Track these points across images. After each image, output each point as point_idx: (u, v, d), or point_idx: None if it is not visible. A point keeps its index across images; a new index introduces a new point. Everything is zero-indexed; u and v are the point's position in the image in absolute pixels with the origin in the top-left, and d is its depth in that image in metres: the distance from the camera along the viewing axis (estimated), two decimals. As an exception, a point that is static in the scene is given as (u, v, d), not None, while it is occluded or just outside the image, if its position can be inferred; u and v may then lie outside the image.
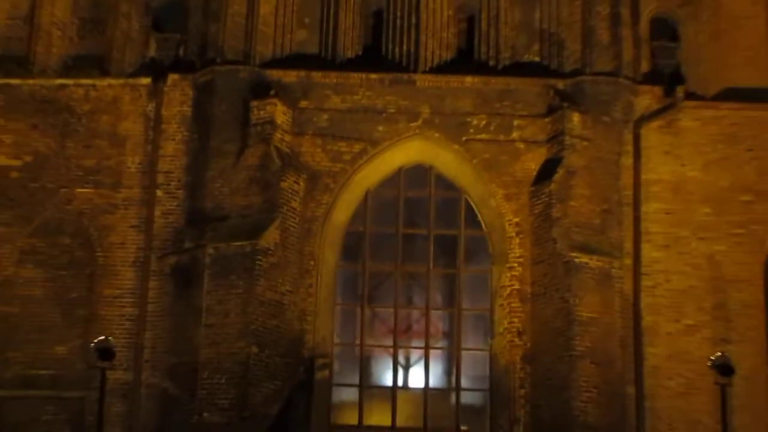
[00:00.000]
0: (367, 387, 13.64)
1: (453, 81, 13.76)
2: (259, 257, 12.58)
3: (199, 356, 12.54)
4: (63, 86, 13.96)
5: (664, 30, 14.46)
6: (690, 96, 13.82)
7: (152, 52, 14.49)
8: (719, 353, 11.81)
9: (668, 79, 14.04)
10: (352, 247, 13.91)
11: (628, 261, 13.26)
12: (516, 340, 13.12)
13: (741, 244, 13.48)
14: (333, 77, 13.76)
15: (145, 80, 13.94)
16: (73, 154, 13.72)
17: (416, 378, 13.86)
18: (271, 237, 12.71)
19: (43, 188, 13.66)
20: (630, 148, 13.62)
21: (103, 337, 11.68)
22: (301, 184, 13.27)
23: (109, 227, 13.54)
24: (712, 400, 12.12)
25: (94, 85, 13.99)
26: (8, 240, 13.50)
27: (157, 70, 14.10)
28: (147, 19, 14.55)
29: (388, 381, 13.81)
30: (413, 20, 13.89)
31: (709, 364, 11.73)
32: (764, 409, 13.03)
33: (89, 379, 12.52)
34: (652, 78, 14.13)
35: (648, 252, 13.37)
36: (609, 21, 13.80)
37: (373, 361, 14.06)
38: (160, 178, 13.67)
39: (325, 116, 13.65)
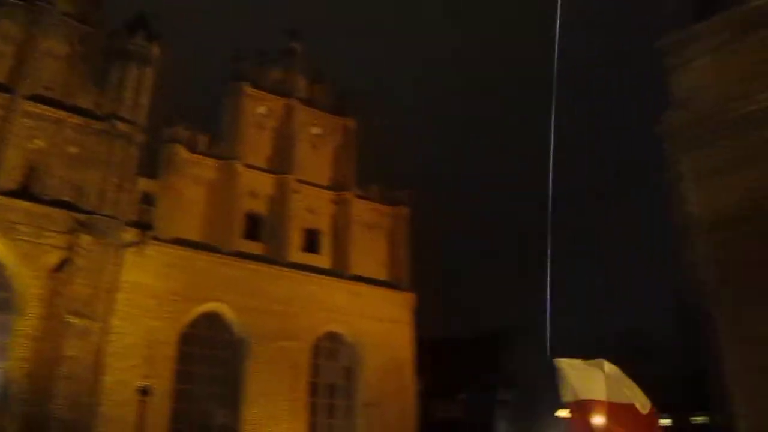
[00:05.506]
0: None
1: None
2: None
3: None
4: None
5: (147, 200, 24.40)
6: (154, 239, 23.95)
7: None
8: (143, 383, 21.26)
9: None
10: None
11: (101, 324, 21.88)
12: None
13: (169, 321, 23.47)
14: None
15: None
16: None
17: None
18: None
19: None
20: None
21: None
22: None
23: None
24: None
25: None
26: None
27: None
28: None
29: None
30: None
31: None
32: (165, 415, 22.64)
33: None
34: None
35: (114, 321, 22.25)
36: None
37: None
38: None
39: None
